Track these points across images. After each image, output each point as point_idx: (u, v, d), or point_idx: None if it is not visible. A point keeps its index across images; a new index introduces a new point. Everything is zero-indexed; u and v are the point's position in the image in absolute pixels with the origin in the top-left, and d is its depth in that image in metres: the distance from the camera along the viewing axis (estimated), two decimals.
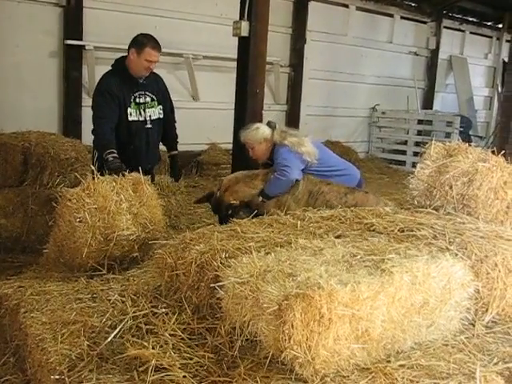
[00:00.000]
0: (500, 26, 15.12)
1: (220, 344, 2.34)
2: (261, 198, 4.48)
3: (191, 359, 2.26)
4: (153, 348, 2.30)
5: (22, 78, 7.79)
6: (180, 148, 5.10)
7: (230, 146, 6.53)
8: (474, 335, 2.42)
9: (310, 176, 4.53)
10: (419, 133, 12.00)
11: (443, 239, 2.71)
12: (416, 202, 3.58)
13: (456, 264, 2.35)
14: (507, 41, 14.72)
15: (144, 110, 4.63)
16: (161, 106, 4.75)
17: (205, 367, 2.22)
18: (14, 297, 3.06)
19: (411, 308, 2.19)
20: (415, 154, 11.28)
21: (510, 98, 8.28)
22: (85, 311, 2.79)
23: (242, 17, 5.79)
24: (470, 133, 12.68)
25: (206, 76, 9.54)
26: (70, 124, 8.14)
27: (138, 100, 4.60)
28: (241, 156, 5.63)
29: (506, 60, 11.60)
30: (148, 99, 4.66)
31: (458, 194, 3.38)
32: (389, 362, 2.12)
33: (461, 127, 11.40)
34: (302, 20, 10.92)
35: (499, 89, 14.99)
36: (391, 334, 2.15)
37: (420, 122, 12.02)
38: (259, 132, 4.73)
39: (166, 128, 4.89)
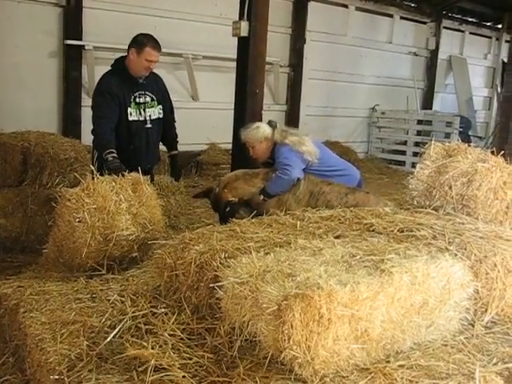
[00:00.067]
0: (499, 26, 15.14)
1: (219, 344, 2.34)
2: (262, 197, 4.48)
3: (190, 359, 2.26)
4: (152, 348, 2.30)
5: (22, 77, 7.80)
6: (179, 148, 5.10)
7: (230, 146, 6.54)
8: (473, 335, 2.41)
9: (310, 176, 4.53)
10: (419, 133, 12.00)
11: (443, 239, 2.71)
12: (415, 203, 3.58)
13: (455, 264, 2.35)
14: (507, 41, 14.73)
15: (144, 110, 4.63)
16: (160, 106, 4.75)
17: (204, 367, 2.22)
18: (14, 297, 3.06)
19: (411, 308, 2.19)
20: (415, 154, 11.30)
21: (509, 98, 8.27)
22: (84, 311, 2.79)
23: (241, 17, 5.80)
24: (470, 133, 12.69)
25: (205, 76, 9.54)
26: (70, 124, 8.14)
27: (137, 100, 4.60)
28: (240, 156, 5.63)
29: (506, 60, 11.59)
30: (148, 99, 4.66)
31: (458, 195, 3.38)
32: (388, 362, 2.12)
33: (460, 127, 11.41)
34: (302, 20, 10.93)
35: (499, 89, 15.00)
36: (391, 335, 2.15)
37: (419, 122, 12.02)
38: (260, 131, 4.73)
39: (166, 128, 4.88)
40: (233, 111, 6.14)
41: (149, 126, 4.67)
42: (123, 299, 2.86)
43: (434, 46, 13.63)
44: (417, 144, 11.49)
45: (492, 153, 3.60)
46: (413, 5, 13.07)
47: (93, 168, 4.00)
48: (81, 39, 8.11)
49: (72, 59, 8.16)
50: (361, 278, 2.07)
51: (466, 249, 2.63)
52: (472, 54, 14.87)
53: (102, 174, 3.78)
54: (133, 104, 4.56)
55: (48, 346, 2.49)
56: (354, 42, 11.99)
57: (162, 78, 4.94)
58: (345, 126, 12.19)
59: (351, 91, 12.14)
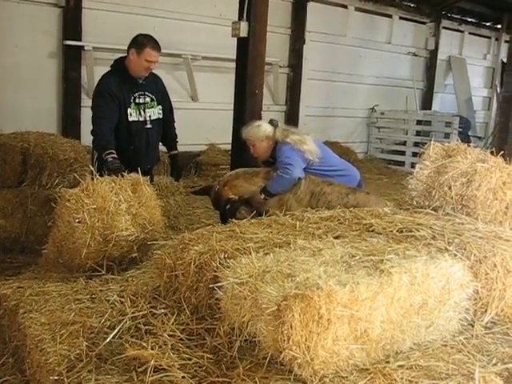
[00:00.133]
0: (499, 26, 15.16)
1: (219, 344, 2.34)
2: (263, 196, 4.49)
3: (190, 360, 2.26)
4: (152, 348, 2.30)
5: (21, 78, 7.80)
6: (179, 148, 5.10)
7: (229, 147, 6.54)
8: (472, 336, 2.41)
9: (311, 176, 4.53)
10: (418, 133, 12.01)
11: (442, 240, 2.71)
12: (415, 203, 3.58)
13: (455, 264, 2.35)
14: (506, 41, 14.73)
15: (144, 111, 4.63)
16: (160, 106, 4.75)
17: (204, 368, 2.22)
18: (13, 297, 3.05)
19: (410, 308, 2.19)
20: (414, 154, 11.31)
21: (508, 98, 8.27)
22: (84, 312, 2.79)
23: (240, 17, 5.80)
24: (469, 133, 12.69)
25: (204, 76, 9.54)
26: (69, 124, 8.15)
27: (137, 100, 4.60)
28: (240, 157, 5.63)
29: (505, 60, 11.59)
30: (148, 99, 4.66)
31: (457, 195, 3.38)
32: (388, 362, 2.12)
33: (460, 128, 11.42)
34: (301, 20, 10.94)
35: (498, 89, 15.02)
36: (390, 335, 2.15)
37: (419, 122, 12.03)
38: (261, 129, 4.72)
39: (166, 128, 4.89)
40: (232, 112, 6.14)
41: (149, 126, 4.67)
42: (123, 300, 2.86)
43: (433, 46, 13.64)
44: (416, 144, 11.50)
45: (491, 153, 3.60)
46: (412, 5, 13.09)
47: (92, 168, 4.00)
48: (80, 40, 8.12)
49: (71, 60, 8.17)
50: (360, 278, 2.07)
51: (465, 249, 2.63)
52: (471, 55, 14.89)
53: (101, 175, 3.78)
54: (133, 104, 4.56)
55: (47, 346, 2.48)
56: (354, 42, 12.00)
57: (162, 78, 4.94)
58: (344, 126, 12.20)
59: (350, 91, 12.15)
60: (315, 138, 4.80)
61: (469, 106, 14.03)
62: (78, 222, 3.46)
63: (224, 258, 2.52)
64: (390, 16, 12.71)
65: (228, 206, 4.49)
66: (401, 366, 2.09)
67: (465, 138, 10.15)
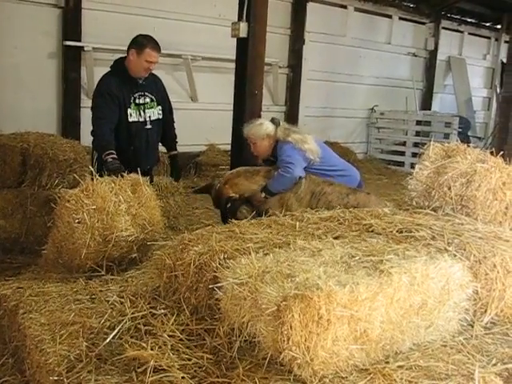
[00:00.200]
0: (498, 26, 15.17)
1: (219, 345, 2.34)
2: (263, 194, 4.49)
3: (190, 360, 2.26)
4: (151, 349, 2.30)
5: (21, 78, 7.80)
6: (178, 149, 5.10)
7: (229, 147, 6.54)
8: (472, 336, 2.41)
9: (312, 176, 4.53)
10: (418, 134, 12.01)
11: (442, 240, 2.71)
12: (414, 203, 3.58)
13: (455, 265, 2.35)
14: (506, 42, 14.72)
15: (144, 111, 4.63)
16: (160, 107, 4.76)
17: (203, 368, 2.22)
18: (13, 298, 3.06)
19: (410, 309, 2.19)
20: (414, 154, 11.32)
21: (508, 98, 8.28)
22: (83, 312, 2.79)
23: (240, 18, 5.80)
24: (469, 134, 12.69)
25: (204, 77, 9.55)
26: (69, 125, 8.15)
27: (137, 101, 4.60)
28: (239, 157, 5.64)
29: (505, 61, 11.59)
30: (148, 100, 4.66)
31: (457, 195, 3.38)
32: (387, 362, 2.12)
33: (459, 128, 11.42)
34: (301, 21, 10.94)
35: (498, 90, 15.02)
36: (390, 335, 2.15)
37: (418, 122, 12.03)
38: (262, 128, 4.72)
39: (165, 129, 4.89)
40: (232, 112, 6.14)
41: (149, 126, 4.67)
42: (122, 300, 2.86)
43: (432, 46, 13.64)
44: (416, 145, 11.51)
45: (491, 153, 3.59)
46: (412, 5, 13.09)
47: (92, 169, 4.00)
48: (80, 40, 8.12)
49: (71, 60, 8.17)
50: (360, 278, 2.07)
51: (465, 249, 2.63)
52: (471, 55, 14.89)
53: (101, 175, 3.78)
54: (133, 105, 4.57)
55: (47, 347, 2.48)
56: (353, 42, 12.01)
57: (161, 79, 4.94)
58: (344, 126, 12.20)
59: (350, 92, 12.15)
60: (316, 138, 4.81)
61: (468, 106, 14.04)
62: (78, 223, 3.46)
63: (224, 258, 2.52)
64: (389, 16, 12.72)
65: (229, 205, 4.50)
66: (400, 367, 2.09)
67: (464, 139, 10.13)
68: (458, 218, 3.16)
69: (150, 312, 2.68)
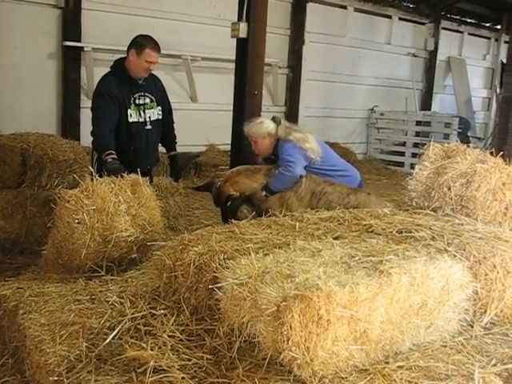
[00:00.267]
0: (498, 27, 15.17)
1: (218, 345, 2.34)
2: (264, 193, 4.49)
3: (190, 360, 2.26)
4: (151, 349, 2.30)
5: (21, 79, 7.80)
6: (178, 149, 5.11)
7: (229, 148, 6.54)
8: (472, 336, 2.42)
9: (313, 175, 4.53)
10: (417, 134, 12.00)
11: (441, 240, 2.71)
12: (414, 204, 3.58)
13: (454, 265, 2.35)
14: (505, 42, 14.71)
15: (144, 111, 4.63)
16: (160, 107, 4.76)
17: (203, 368, 2.22)
18: (13, 298, 3.05)
19: (409, 309, 2.19)
20: (413, 155, 11.32)
21: (508, 99, 8.28)
22: (83, 312, 2.79)
23: (240, 18, 5.80)
24: (469, 134, 12.69)
25: (204, 77, 9.54)
26: (69, 125, 8.15)
27: (137, 101, 4.61)
28: (239, 157, 5.63)
29: (505, 61, 11.60)
30: (147, 100, 4.67)
31: (457, 196, 3.38)
32: (387, 363, 2.12)
33: (459, 128, 11.41)
34: (301, 21, 10.94)
35: (497, 90, 15.02)
36: (389, 336, 2.15)
37: (418, 123, 12.03)
38: (263, 126, 4.71)
39: (165, 129, 4.89)
40: (231, 112, 6.14)
41: (149, 127, 4.67)
42: (122, 300, 2.86)
43: (432, 46, 13.64)
44: (416, 145, 11.51)
45: (491, 154, 3.60)
46: (411, 6, 13.09)
47: (92, 169, 4.00)
48: (79, 41, 8.12)
49: (71, 61, 8.17)
50: (360, 279, 2.07)
51: (465, 250, 2.63)
52: (471, 55, 14.89)
53: (101, 176, 3.78)
54: (133, 105, 4.57)
55: (47, 347, 2.48)
56: (353, 43, 12.00)
57: (161, 79, 4.95)
58: (344, 127, 12.20)
59: (350, 92, 12.15)
60: (317, 137, 4.81)
61: (468, 106, 14.04)
62: (78, 223, 3.46)
63: (223, 258, 2.53)
64: (389, 17, 12.71)
65: (229, 203, 4.50)
66: (400, 367, 2.10)
67: (464, 139, 10.15)
68: (457, 218, 3.16)
69: (150, 312, 2.68)
